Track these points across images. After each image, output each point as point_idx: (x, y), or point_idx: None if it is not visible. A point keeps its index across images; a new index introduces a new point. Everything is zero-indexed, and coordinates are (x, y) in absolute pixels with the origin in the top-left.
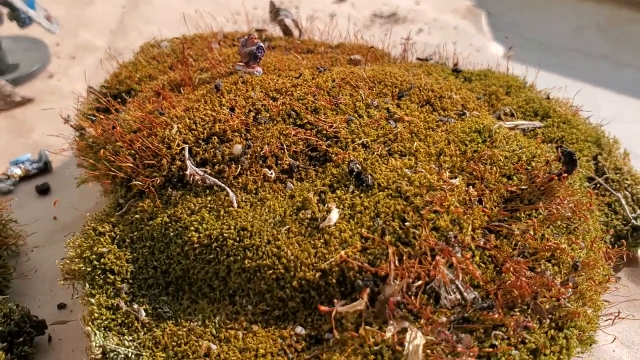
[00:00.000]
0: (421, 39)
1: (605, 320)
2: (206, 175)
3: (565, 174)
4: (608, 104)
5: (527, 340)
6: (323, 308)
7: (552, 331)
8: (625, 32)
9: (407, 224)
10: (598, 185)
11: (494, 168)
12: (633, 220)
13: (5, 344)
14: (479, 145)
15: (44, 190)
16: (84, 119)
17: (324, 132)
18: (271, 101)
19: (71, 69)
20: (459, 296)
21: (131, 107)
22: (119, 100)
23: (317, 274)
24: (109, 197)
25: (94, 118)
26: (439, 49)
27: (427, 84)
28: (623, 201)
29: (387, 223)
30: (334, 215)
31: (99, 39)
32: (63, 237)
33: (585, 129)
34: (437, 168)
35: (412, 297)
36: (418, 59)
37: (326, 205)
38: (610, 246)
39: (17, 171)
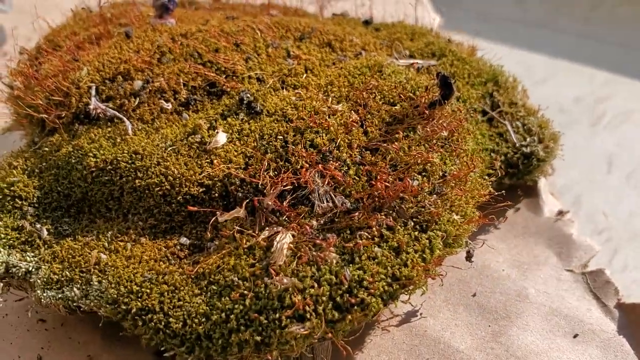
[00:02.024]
0: (363, 11)
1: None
2: (108, 108)
3: (441, 98)
4: (543, 66)
5: (389, 239)
6: (191, 207)
7: (416, 233)
8: (564, 2)
9: (288, 143)
10: (491, 118)
11: (378, 96)
12: (522, 148)
13: None
14: (367, 77)
15: None
16: (14, 74)
17: (223, 69)
18: (175, 44)
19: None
20: (331, 204)
21: (52, 58)
22: (45, 54)
23: (201, 189)
24: (28, 138)
25: (19, 69)
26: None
27: (331, 29)
28: (511, 129)
29: (270, 143)
30: (221, 138)
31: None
32: None
33: (480, 67)
34: (324, 97)
35: (284, 205)
36: (333, 14)
37: (215, 130)
38: (491, 164)
39: None
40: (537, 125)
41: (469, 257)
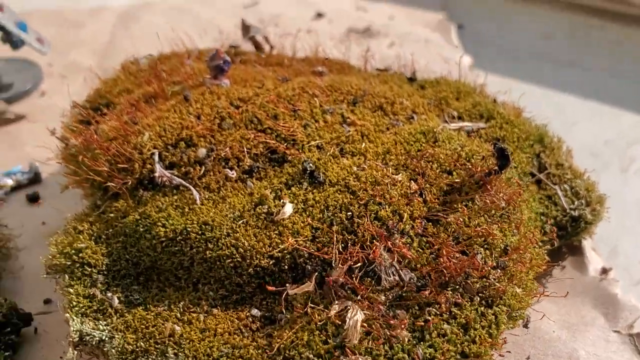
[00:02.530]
0: (393, 52)
1: (533, 298)
2: (173, 176)
3: (497, 169)
4: (572, 107)
5: (457, 316)
6: (270, 288)
7: (482, 308)
8: (590, 39)
9: (353, 215)
10: (539, 180)
11: (435, 164)
12: (571, 211)
13: None
14: (423, 145)
15: (33, 198)
16: (68, 131)
17: (283, 136)
18: (234, 109)
19: (62, 87)
20: (397, 277)
21: (109, 118)
22: (100, 112)
23: (271, 262)
24: (89, 199)
25: (75, 129)
26: (399, 60)
27: (381, 91)
28: (560, 193)
29: (335, 215)
30: (288, 209)
31: (88, 58)
32: (50, 240)
33: (527, 129)
34: (383, 166)
35: (354, 279)
36: (377, 69)
37: (281, 200)
38: (546, 233)
39: (9, 181)
40: (584, 188)
41: (526, 324)
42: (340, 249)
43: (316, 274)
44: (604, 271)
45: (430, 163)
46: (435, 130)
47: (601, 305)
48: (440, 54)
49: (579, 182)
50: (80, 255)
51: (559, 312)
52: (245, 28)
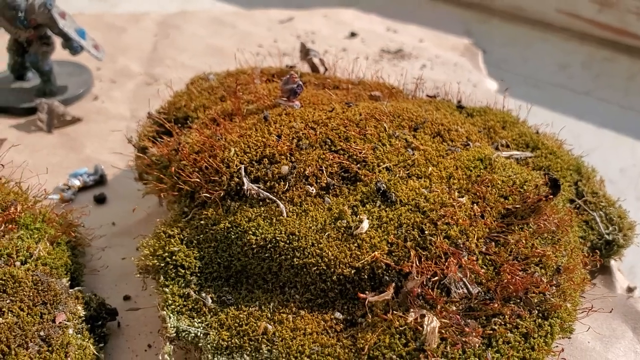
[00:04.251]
0: (425, 73)
1: (581, 313)
2: (260, 190)
3: (551, 196)
4: (589, 136)
5: (519, 326)
6: (362, 295)
7: (539, 320)
8: (603, 70)
9: (425, 232)
10: (578, 206)
11: (493, 190)
12: (606, 236)
13: (88, 325)
14: (481, 170)
15: (101, 200)
16: (146, 140)
17: (354, 157)
18: (310, 130)
19: (113, 92)
20: (465, 290)
21: (192, 132)
22: (179, 125)
23: (352, 271)
24: (173, 206)
25: (158, 140)
26: (444, 86)
27: (438, 118)
28: (598, 219)
29: (408, 232)
30: (365, 225)
31: (135, 64)
32: (121, 240)
33: (568, 159)
34: (447, 189)
35: (430, 290)
36: (427, 95)
37: (358, 216)
38: (587, 255)
39: (77, 182)
40: (617, 215)
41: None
42: (417, 263)
43: (393, 284)
44: (630, 290)
45: (489, 188)
46: (490, 157)
47: (630, 320)
48: (469, 78)
49: (613, 209)
50: (174, 257)
51: (592, 324)
52: (305, 51)
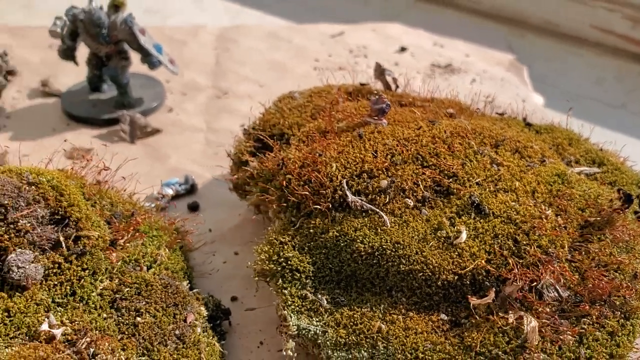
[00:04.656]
0: (475, 87)
1: None
2: (363, 202)
3: (625, 208)
4: (630, 150)
5: (606, 325)
6: (472, 299)
7: (622, 320)
8: (637, 85)
9: (519, 242)
10: None
11: (572, 203)
12: None
13: (210, 324)
14: (560, 185)
15: (194, 208)
16: (246, 154)
17: (445, 172)
18: (402, 147)
19: (185, 104)
20: (556, 294)
21: (291, 148)
22: (275, 140)
23: (455, 277)
24: (279, 216)
25: (257, 154)
26: (510, 106)
27: (514, 136)
28: None
29: (503, 242)
30: (464, 235)
31: (201, 77)
32: (219, 245)
33: (631, 174)
34: (533, 202)
35: (527, 294)
36: (497, 113)
37: (456, 227)
38: None
39: (169, 191)
40: None
41: None
42: (515, 271)
43: (493, 289)
44: None
45: (569, 201)
46: (566, 173)
47: None
48: (517, 93)
49: None
50: (289, 262)
51: None
52: (380, 70)
